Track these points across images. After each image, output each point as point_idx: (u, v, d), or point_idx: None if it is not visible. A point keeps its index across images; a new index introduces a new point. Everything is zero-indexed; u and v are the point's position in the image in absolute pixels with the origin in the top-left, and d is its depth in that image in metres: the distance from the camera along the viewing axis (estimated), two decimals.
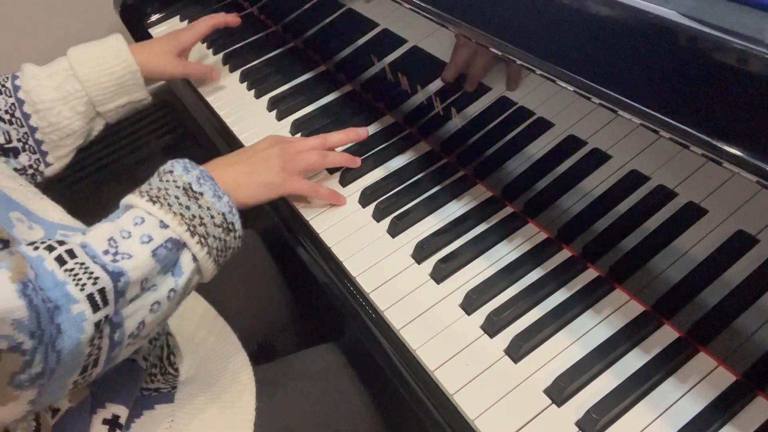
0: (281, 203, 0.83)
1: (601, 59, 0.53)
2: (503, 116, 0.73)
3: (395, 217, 0.76)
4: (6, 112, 0.81)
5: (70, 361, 0.50)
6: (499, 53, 0.61)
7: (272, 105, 0.97)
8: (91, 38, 0.88)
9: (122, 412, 0.61)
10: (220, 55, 1.12)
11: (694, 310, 0.59)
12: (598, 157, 0.64)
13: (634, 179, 0.61)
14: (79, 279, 0.51)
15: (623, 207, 0.63)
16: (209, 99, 1.02)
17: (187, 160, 0.65)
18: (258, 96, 1.01)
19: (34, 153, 0.84)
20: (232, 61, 1.08)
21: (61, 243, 0.53)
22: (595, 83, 0.51)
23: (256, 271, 0.96)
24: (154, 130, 1.49)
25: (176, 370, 0.73)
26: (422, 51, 0.80)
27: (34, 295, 0.47)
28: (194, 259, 0.60)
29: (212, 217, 0.61)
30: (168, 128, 1.51)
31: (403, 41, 0.83)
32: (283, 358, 0.83)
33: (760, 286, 0.53)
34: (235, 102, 1.01)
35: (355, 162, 0.82)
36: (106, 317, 0.52)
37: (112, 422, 0.60)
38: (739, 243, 0.54)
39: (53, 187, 0.76)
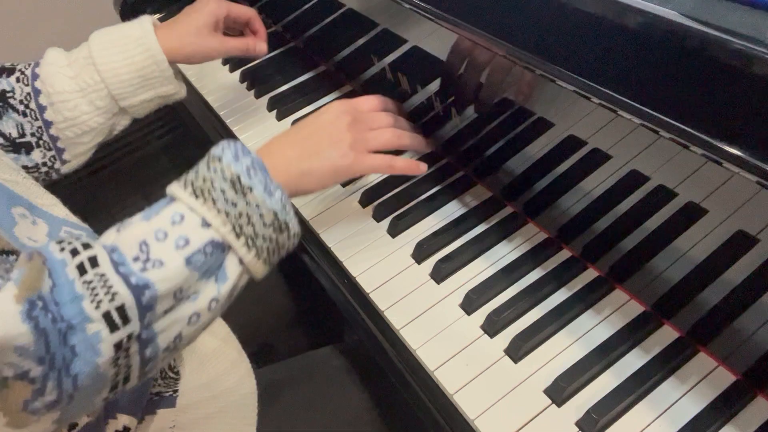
0: None
1: (601, 59, 0.53)
2: (503, 116, 0.73)
3: (395, 217, 0.76)
4: (20, 102, 0.73)
5: (91, 384, 0.46)
6: (499, 53, 0.61)
7: (272, 105, 0.97)
8: None
9: (132, 423, 0.61)
10: None
11: (694, 310, 0.59)
12: (598, 157, 0.64)
13: (634, 179, 0.61)
14: (96, 294, 0.46)
15: (623, 207, 0.63)
16: (209, 99, 1.02)
17: (240, 144, 0.56)
18: (258, 96, 1.01)
19: (49, 150, 0.76)
20: (231, 61, 1.08)
21: (87, 246, 0.48)
22: (595, 83, 0.51)
23: None
24: (154, 130, 1.49)
25: (176, 373, 0.72)
26: (422, 51, 0.80)
27: (42, 315, 0.43)
28: (240, 262, 0.54)
29: (261, 215, 0.54)
30: (168, 128, 1.51)
31: (403, 41, 0.83)
32: (285, 362, 0.82)
33: (760, 286, 0.53)
34: (235, 102, 1.01)
35: (425, 146, 0.77)
36: (130, 336, 0.47)
37: None
38: (739, 243, 0.54)
39: (52, 187, 0.75)
